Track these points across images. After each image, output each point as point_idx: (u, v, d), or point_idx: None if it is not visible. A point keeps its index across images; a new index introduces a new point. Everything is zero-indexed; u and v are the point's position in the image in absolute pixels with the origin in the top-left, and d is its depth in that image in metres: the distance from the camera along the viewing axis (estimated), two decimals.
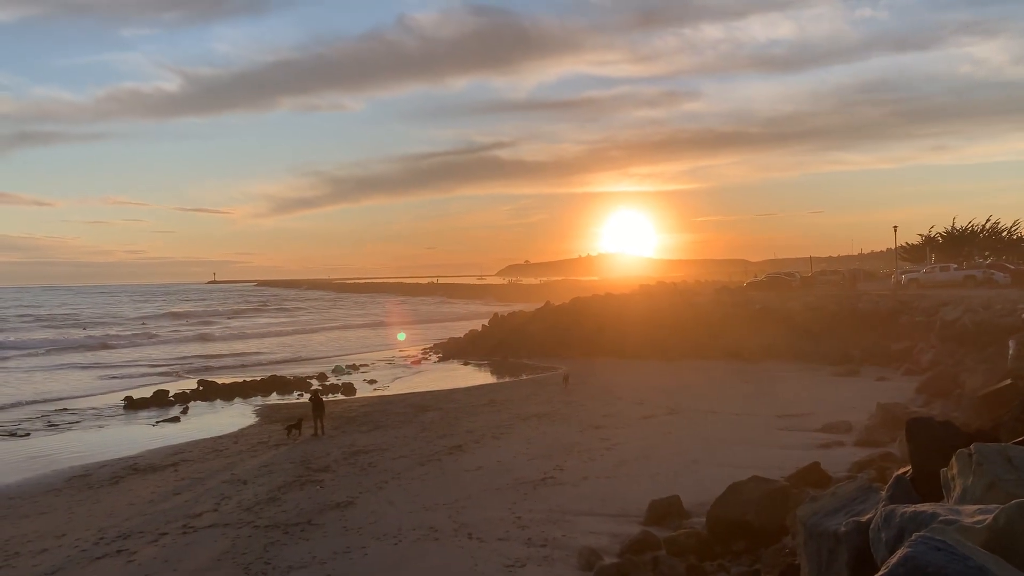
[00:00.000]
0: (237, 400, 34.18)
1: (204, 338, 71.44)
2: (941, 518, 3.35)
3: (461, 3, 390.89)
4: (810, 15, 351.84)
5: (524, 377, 39.49)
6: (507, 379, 39.47)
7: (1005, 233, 77.20)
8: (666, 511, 14.09)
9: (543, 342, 48.05)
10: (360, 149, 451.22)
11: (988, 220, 77.78)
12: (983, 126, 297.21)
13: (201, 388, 36.03)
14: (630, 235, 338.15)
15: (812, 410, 24.98)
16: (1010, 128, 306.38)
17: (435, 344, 56.67)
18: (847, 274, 67.78)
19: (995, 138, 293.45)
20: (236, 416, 30.07)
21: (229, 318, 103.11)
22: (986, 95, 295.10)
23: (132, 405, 32.33)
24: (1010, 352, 24.00)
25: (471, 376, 41.45)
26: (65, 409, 31.66)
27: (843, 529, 5.78)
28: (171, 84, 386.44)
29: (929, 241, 78.62)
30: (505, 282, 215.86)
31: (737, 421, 24.27)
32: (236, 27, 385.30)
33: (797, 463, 16.27)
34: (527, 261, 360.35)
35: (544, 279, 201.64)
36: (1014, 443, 6.24)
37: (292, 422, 24.98)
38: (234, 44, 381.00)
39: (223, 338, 71.50)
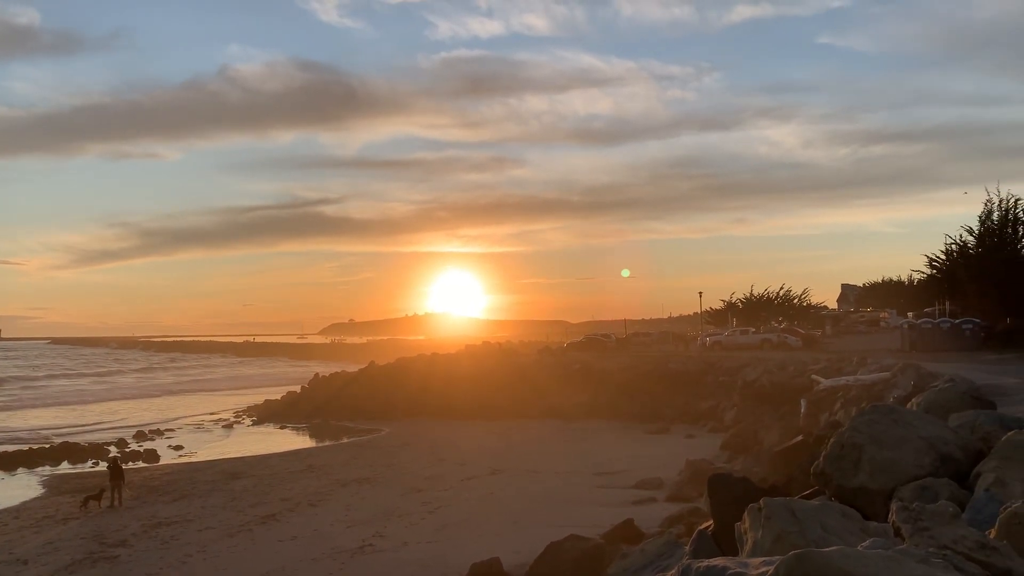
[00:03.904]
0: (21, 470, 30.93)
1: None
2: (731, 571, 3.53)
3: (287, 58, 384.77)
4: (626, 93, 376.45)
5: (345, 440, 38.45)
6: (327, 443, 38.25)
7: (796, 300, 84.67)
8: (486, 574, 14.00)
9: (367, 403, 47.04)
10: (175, 200, 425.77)
11: (781, 288, 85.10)
12: (778, 202, 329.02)
13: None
14: (457, 295, 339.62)
15: (627, 467, 25.91)
16: (800, 205, 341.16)
17: (249, 407, 53.96)
18: (677, 335, 72.15)
19: (788, 213, 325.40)
20: (19, 488, 27.19)
21: (18, 381, 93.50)
22: (780, 174, 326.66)
23: None
24: (802, 410, 26.11)
25: (288, 440, 39.79)
26: None
27: None
28: None
29: (730, 306, 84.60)
30: (328, 341, 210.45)
31: (557, 479, 24.73)
32: (40, 67, 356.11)
33: (613, 520, 16.72)
34: (352, 320, 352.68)
35: (369, 338, 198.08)
36: (801, 496, 6.72)
37: (92, 492, 22.95)
38: (37, 84, 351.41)
39: (10, 405, 64.52)
